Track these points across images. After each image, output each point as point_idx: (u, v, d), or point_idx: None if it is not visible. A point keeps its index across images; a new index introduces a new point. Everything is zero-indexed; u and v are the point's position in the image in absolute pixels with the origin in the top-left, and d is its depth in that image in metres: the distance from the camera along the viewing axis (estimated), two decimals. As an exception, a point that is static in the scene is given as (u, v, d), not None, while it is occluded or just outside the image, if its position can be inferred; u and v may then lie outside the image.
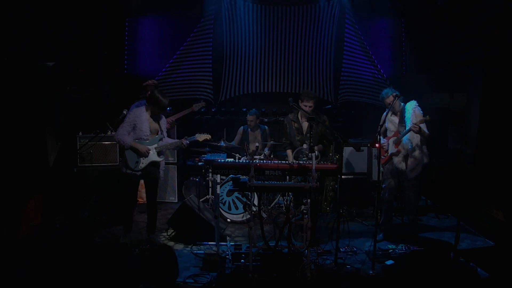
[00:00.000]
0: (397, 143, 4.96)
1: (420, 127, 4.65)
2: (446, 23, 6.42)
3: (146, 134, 4.62)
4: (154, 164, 4.73)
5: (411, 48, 7.49)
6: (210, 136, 5.00)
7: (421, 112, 4.83)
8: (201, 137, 4.95)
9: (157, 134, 4.75)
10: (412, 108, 4.86)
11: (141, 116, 4.59)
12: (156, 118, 4.75)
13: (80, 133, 5.74)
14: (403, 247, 4.65)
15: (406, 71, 7.58)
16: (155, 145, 4.71)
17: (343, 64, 7.51)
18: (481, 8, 5.55)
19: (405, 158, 4.92)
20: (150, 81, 5.83)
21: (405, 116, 4.88)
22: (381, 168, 4.90)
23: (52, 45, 5.81)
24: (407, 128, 4.78)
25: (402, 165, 4.92)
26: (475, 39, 5.73)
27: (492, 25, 5.35)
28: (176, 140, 4.98)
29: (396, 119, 5.01)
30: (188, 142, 4.83)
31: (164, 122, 4.88)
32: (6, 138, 5.00)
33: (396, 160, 4.97)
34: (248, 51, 7.36)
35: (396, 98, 4.70)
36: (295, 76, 7.47)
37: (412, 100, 4.94)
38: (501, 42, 5.16)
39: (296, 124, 5.14)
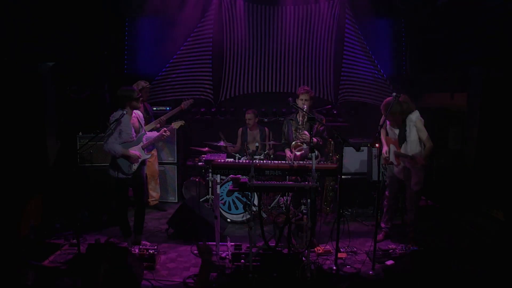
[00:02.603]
0: (397, 156, 4.91)
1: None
2: (446, 23, 6.41)
3: (132, 136, 4.70)
4: (143, 162, 4.86)
5: (411, 48, 7.48)
6: (184, 122, 5.32)
7: (423, 121, 4.75)
8: (177, 124, 5.28)
9: (139, 132, 4.83)
10: (414, 122, 4.70)
11: (123, 120, 4.62)
12: (133, 116, 4.79)
13: (80, 133, 5.74)
14: (403, 247, 4.64)
15: (406, 71, 7.57)
16: (141, 144, 4.81)
17: (343, 64, 7.49)
18: (481, 8, 5.55)
19: (404, 168, 4.87)
20: (143, 83, 5.84)
21: (406, 130, 4.76)
22: (381, 169, 4.89)
23: (52, 45, 5.81)
24: (407, 139, 4.72)
25: (401, 176, 4.89)
26: (475, 39, 5.73)
27: (492, 25, 5.35)
28: (158, 133, 5.08)
29: (396, 129, 4.93)
30: (169, 132, 5.03)
31: (141, 117, 4.93)
32: (6, 139, 5.00)
33: (396, 170, 4.95)
34: (248, 51, 7.35)
35: (396, 98, 4.59)
36: (295, 76, 7.46)
37: (415, 111, 4.75)
38: (501, 42, 5.16)
39: (294, 124, 5.15)
